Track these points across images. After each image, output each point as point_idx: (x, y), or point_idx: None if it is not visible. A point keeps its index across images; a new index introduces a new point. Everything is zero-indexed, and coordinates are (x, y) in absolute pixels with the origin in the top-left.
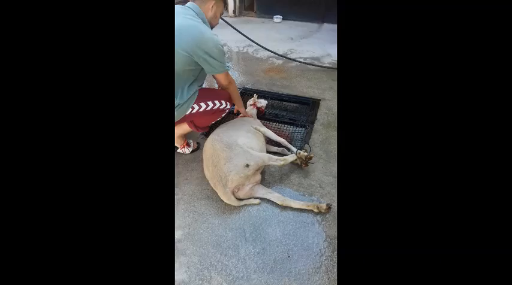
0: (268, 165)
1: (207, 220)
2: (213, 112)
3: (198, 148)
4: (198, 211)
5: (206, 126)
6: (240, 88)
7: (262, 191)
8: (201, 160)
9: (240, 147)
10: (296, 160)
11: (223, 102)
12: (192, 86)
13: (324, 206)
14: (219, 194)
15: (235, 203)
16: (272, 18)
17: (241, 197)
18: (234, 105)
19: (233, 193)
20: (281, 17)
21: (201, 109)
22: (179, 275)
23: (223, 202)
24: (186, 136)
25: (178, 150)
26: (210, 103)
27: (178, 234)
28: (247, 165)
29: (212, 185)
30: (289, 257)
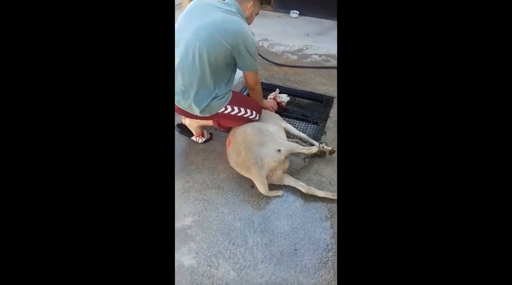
0: (296, 153)
1: (216, 208)
2: (242, 118)
3: (211, 138)
4: (208, 199)
5: (229, 127)
6: (248, 89)
7: (289, 180)
8: (226, 147)
9: (271, 134)
10: (318, 152)
11: (254, 112)
12: (229, 83)
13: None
14: (254, 177)
15: (266, 188)
16: (289, 13)
17: (273, 181)
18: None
19: (266, 177)
20: (298, 12)
21: (233, 112)
22: (188, 260)
23: (233, 192)
24: (203, 127)
25: (193, 138)
26: (242, 109)
27: (188, 220)
28: (279, 150)
29: (244, 169)
30: (296, 250)
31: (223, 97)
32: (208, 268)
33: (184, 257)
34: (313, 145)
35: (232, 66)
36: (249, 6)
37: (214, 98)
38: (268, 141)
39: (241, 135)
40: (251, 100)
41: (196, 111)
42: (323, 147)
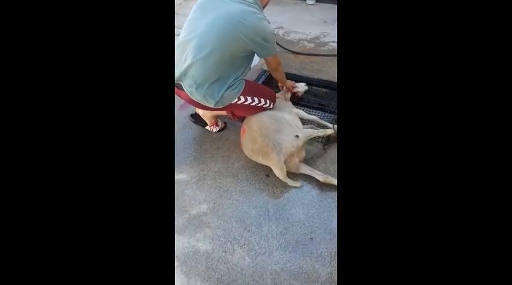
0: (312, 141)
1: (231, 196)
2: (256, 108)
3: (225, 127)
4: (223, 187)
5: (243, 117)
6: (270, 71)
7: (305, 168)
8: (241, 136)
9: (287, 121)
10: (333, 133)
11: (268, 101)
12: (244, 73)
13: None
14: (271, 163)
15: (284, 173)
16: (305, 0)
17: (291, 168)
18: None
19: (284, 163)
20: None
21: (246, 103)
22: (203, 245)
23: (248, 181)
24: (217, 117)
25: (207, 127)
26: (256, 99)
27: (203, 207)
28: (297, 136)
29: (262, 156)
30: (311, 238)
31: (236, 87)
32: (224, 254)
33: (199, 243)
34: (326, 127)
35: (250, 56)
36: None
37: (227, 89)
38: (284, 127)
39: (256, 122)
40: (264, 89)
41: (210, 104)
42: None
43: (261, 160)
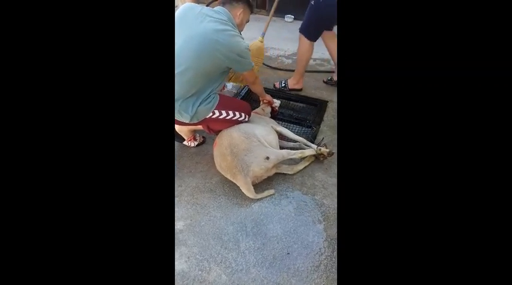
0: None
1: (209, 212)
2: (231, 121)
3: (204, 142)
4: (200, 203)
5: (219, 130)
6: (248, 85)
7: (273, 170)
8: (213, 148)
9: (258, 139)
10: (316, 154)
11: (243, 114)
12: (219, 87)
13: (326, 150)
14: (240, 184)
15: (253, 193)
16: (283, 17)
17: (261, 178)
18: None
19: (252, 183)
20: (293, 16)
21: (221, 117)
22: (179, 265)
23: (226, 196)
24: (194, 131)
25: (185, 142)
26: (230, 112)
27: (180, 225)
28: (268, 158)
29: (230, 175)
30: (288, 253)
31: (210, 102)
32: (200, 272)
33: (175, 262)
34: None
35: (226, 72)
36: (238, 14)
37: (201, 103)
38: (254, 147)
39: (227, 138)
40: (239, 102)
41: (186, 119)
42: (320, 149)
43: (229, 177)
